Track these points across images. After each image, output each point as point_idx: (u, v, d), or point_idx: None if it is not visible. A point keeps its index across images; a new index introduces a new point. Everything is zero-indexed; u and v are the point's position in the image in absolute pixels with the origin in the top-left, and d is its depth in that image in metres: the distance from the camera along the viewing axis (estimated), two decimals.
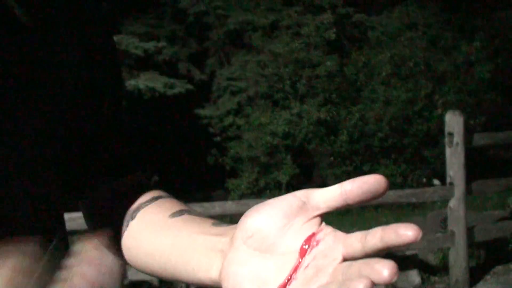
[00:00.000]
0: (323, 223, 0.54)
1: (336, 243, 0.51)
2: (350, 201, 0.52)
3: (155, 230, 0.69)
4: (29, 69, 0.63)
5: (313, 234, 0.53)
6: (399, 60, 9.65)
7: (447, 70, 9.57)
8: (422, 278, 4.75)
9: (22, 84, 0.62)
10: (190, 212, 0.70)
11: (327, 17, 10.36)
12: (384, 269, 0.44)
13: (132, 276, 3.98)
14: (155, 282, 4.52)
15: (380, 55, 9.78)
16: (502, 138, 5.05)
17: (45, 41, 0.65)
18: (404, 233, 0.46)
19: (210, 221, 0.66)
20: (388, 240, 0.47)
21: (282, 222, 0.54)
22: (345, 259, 0.50)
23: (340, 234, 0.52)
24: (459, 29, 10.24)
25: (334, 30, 10.27)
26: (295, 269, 0.52)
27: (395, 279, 0.45)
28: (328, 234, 0.53)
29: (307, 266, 0.52)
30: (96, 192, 0.77)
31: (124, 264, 0.75)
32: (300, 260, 0.53)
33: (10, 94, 0.61)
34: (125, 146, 0.78)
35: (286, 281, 0.52)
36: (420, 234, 0.46)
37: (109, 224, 0.75)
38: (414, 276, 4.72)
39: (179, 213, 0.70)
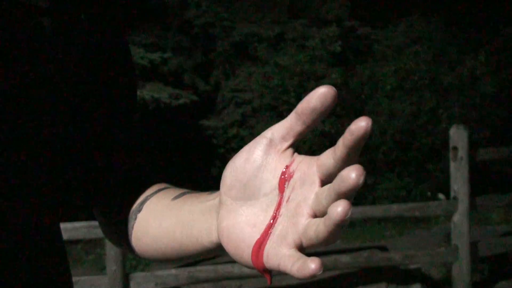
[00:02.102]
0: (295, 154, 0.56)
1: (310, 167, 0.53)
2: (306, 121, 0.53)
3: (160, 215, 0.71)
4: (32, 75, 0.64)
5: (287, 167, 0.54)
6: (403, 74, 9.66)
7: (451, 84, 9.57)
8: None
9: (26, 89, 0.63)
10: (191, 192, 0.72)
11: (332, 30, 10.39)
12: (351, 173, 0.46)
13: (135, 286, 3.98)
14: None
15: (385, 68, 9.80)
16: (507, 153, 5.04)
17: (56, 48, 0.66)
18: (355, 127, 0.47)
19: (208, 192, 0.68)
20: (347, 141, 0.48)
21: (256, 164, 0.55)
22: (322, 181, 0.52)
23: (312, 158, 0.54)
24: (464, 44, 10.26)
25: (339, 43, 10.31)
26: (278, 206, 0.54)
27: (362, 179, 0.46)
28: (301, 162, 0.54)
29: (288, 200, 0.53)
30: (108, 198, 0.78)
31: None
32: (281, 195, 0.54)
33: (12, 100, 0.62)
34: (137, 154, 0.79)
35: (271, 220, 0.54)
36: (370, 122, 0.47)
37: (121, 222, 0.76)
38: None
39: (181, 195, 0.72)
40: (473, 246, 4.59)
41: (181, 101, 10.05)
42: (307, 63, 9.88)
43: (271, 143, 0.55)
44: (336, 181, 0.47)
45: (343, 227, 0.47)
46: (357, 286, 4.59)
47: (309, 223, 0.50)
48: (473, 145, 5.05)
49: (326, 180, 0.52)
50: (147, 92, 9.76)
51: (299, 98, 9.75)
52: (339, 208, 0.46)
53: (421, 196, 8.87)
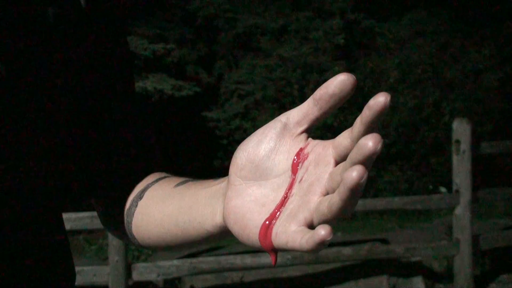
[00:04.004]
0: (310, 138, 0.55)
1: (326, 149, 0.52)
2: (324, 107, 0.53)
3: (162, 201, 0.71)
4: (36, 64, 0.64)
5: (301, 149, 0.54)
6: (407, 67, 9.63)
7: (455, 77, 9.55)
8: (426, 285, 4.74)
9: (29, 77, 0.63)
10: (193, 180, 0.72)
11: (336, 22, 10.36)
12: (368, 141, 0.45)
13: (137, 276, 4.00)
14: (160, 283, 4.54)
15: (388, 61, 9.77)
16: (509, 147, 5.04)
17: (57, 41, 0.67)
18: (373, 103, 0.47)
19: (212, 179, 0.67)
20: (366, 118, 0.48)
21: (269, 146, 0.55)
22: (337, 162, 0.51)
23: (328, 141, 0.53)
24: (468, 37, 10.22)
25: (343, 35, 10.28)
26: (290, 186, 0.54)
27: (379, 147, 0.45)
28: (316, 145, 0.54)
29: (301, 180, 0.53)
30: (108, 185, 0.78)
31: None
32: (294, 176, 0.54)
33: (15, 88, 0.62)
34: (138, 142, 0.79)
35: (283, 199, 0.53)
36: (389, 97, 0.46)
37: (121, 211, 0.76)
38: (418, 283, 4.71)
39: (184, 182, 0.71)
40: (475, 239, 4.60)
41: (184, 92, 10.04)
42: (311, 56, 9.86)
43: (285, 127, 0.55)
44: (352, 152, 0.47)
45: (357, 195, 0.46)
46: (358, 279, 4.61)
47: (322, 199, 0.49)
48: (475, 139, 5.05)
49: (341, 161, 0.51)
50: (150, 83, 9.76)
51: (302, 91, 9.73)
52: (354, 172, 0.44)
53: (423, 189, 8.87)
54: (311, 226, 0.50)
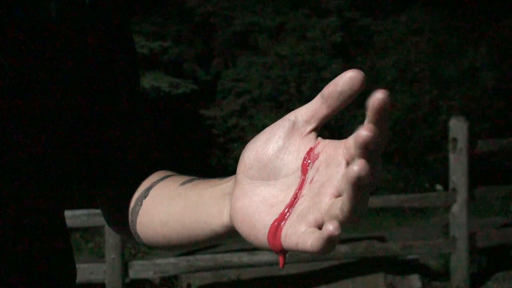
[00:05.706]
0: (319, 138, 0.54)
1: (337, 149, 0.51)
2: (333, 105, 0.52)
3: (168, 200, 0.70)
4: (39, 60, 0.64)
5: (311, 149, 0.53)
6: (404, 65, 9.64)
7: (452, 76, 9.56)
8: (423, 283, 4.75)
9: (32, 75, 0.63)
10: (199, 178, 0.71)
11: (333, 20, 10.37)
12: (361, 131, 0.44)
13: (134, 274, 4.00)
14: (157, 280, 4.54)
15: (385, 60, 9.78)
16: (506, 145, 5.05)
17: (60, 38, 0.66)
18: (372, 102, 0.45)
19: (218, 178, 0.66)
20: (370, 117, 0.46)
21: (278, 146, 0.54)
22: (348, 162, 0.50)
23: (339, 141, 0.52)
24: (465, 36, 10.24)
25: (340, 33, 10.28)
26: (300, 187, 0.52)
27: (372, 134, 0.44)
28: (327, 145, 0.53)
29: (311, 181, 0.51)
30: (113, 184, 0.78)
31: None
32: (304, 177, 0.52)
33: (18, 85, 0.62)
34: (142, 141, 0.79)
35: (293, 199, 0.52)
36: (387, 93, 0.45)
37: (125, 210, 0.76)
38: (415, 280, 4.72)
39: (189, 180, 0.70)
40: (471, 237, 4.60)
41: (181, 90, 10.03)
42: (308, 54, 9.86)
43: (294, 126, 0.54)
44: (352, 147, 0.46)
45: (364, 192, 0.44)
46: (355, 276, 4.61)
47: (334, 201, 0.48)
48: (472, 137, 5.06)
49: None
50: (147, 81, 9.75)
51: (299, 89, 9.73)
52: (355, 166, 0.43)
53: (420, 187, 8.89)
54: (321, 228, 0.48)
